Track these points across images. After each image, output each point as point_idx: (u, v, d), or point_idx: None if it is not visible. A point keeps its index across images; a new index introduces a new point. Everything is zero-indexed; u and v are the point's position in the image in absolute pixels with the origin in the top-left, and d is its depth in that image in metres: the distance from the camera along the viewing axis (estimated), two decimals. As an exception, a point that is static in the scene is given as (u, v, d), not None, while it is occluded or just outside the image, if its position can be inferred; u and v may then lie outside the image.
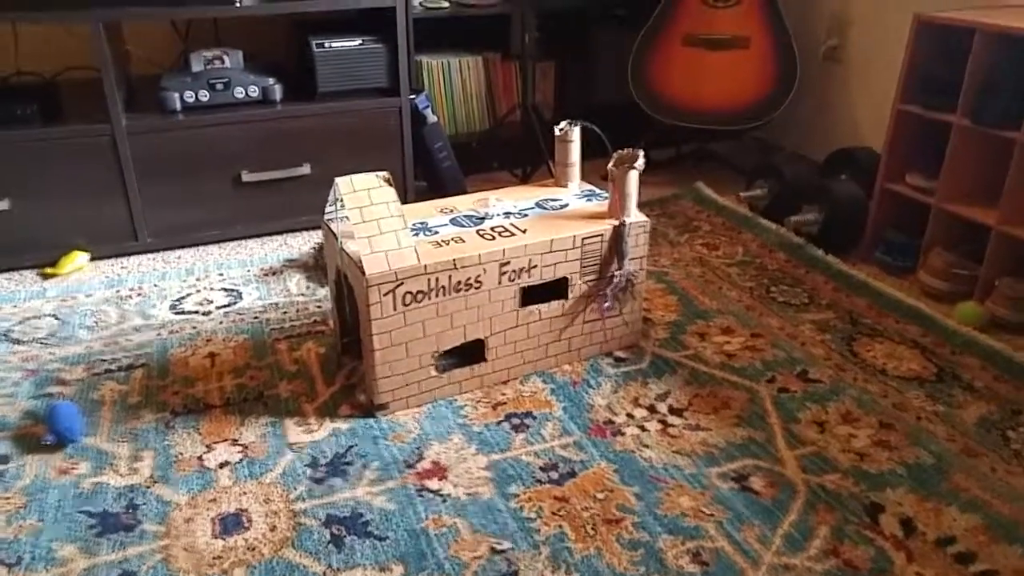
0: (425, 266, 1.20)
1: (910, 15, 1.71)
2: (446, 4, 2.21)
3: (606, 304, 1.40)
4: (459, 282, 1.25)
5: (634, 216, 1.38)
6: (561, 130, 1.49)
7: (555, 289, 1.36)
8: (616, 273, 1.38)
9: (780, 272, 1.80)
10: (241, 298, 1.65)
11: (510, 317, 1.33)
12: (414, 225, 1.34)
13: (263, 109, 1.82)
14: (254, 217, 1.90)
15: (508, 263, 1.28)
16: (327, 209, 1.33)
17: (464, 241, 1.28)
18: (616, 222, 1.36)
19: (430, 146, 2.06)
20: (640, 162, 1.34)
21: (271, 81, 1.84)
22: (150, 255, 1.84)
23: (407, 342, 1.25)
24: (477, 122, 2.42)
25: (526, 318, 1.34)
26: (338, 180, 1.23)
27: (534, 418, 1.28)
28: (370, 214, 1.20)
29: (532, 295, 1.34)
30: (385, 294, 1.19)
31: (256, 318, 1.57)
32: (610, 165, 1.35)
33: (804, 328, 1.56)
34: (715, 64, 2.21)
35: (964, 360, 1.45)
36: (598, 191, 1.51)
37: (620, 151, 1.37)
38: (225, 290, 1.68)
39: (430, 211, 1.41)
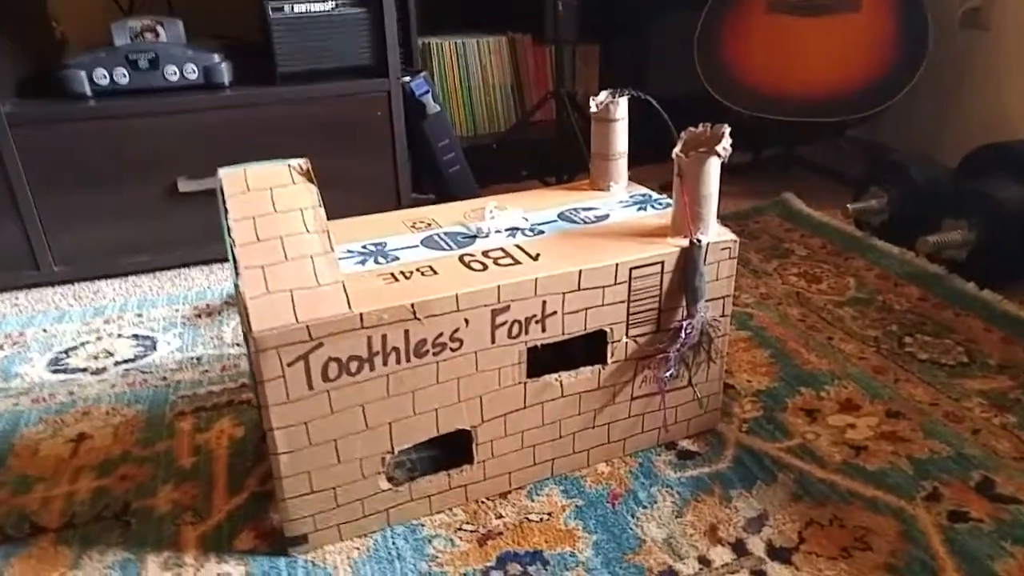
0: (361, 316, 0.72)
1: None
2: (458, -32, 1.75)
3: (668, 371, 0.88)
4: (424, 341, 0.75)
5: (714, 232, 0.87)
6: (600, 104, 1.00)
7: (586, 349, 0.86)
8: (685, 323, 0.86)
9: (915, 314, 1.26)
10: (154, 348, 1.19)
11: (513, 394, 0.82)
12: (361, 249, 0.86)
13: (206, 95, 1.38)
14: (197, 238, 1.45)
15: (507, 309, 0.78)
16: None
17: (437, 273, 0.79)
18: (685, 241, 0.85)
19: (432, 144, 1.58)
20: (725, 144, 0.83)
21: (216, 59, 1.39)
22: (58, 288, 1.40)
23: (336, 439, 0.75)
24: (502, 119, 1.94)
25: (539, 395, 0.84)
26: (222, 173, 0.75)
27: (545, 563, 0.78)
28: (270, 229, 0.72)
29: (549, 359, 0.84)
30: (291, 363, 0.70)
31: (164, 379, 1.10)
32: (677, 150, 0.85)
33: (970, 404, 1.02)
34: (812, 35, 1.68)
35: None
36: (655, 196, 1.01)
37: (692, 129, 0.86)
38: (137, 337, 1.22)
39: (394, 226, 0.92)
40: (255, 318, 0.68)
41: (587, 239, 0.87)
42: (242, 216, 0.73)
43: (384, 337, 0.73)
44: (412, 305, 0.73)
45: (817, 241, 1.57)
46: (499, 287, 0.77)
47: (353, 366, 0.73)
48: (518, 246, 0.85)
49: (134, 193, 1.38)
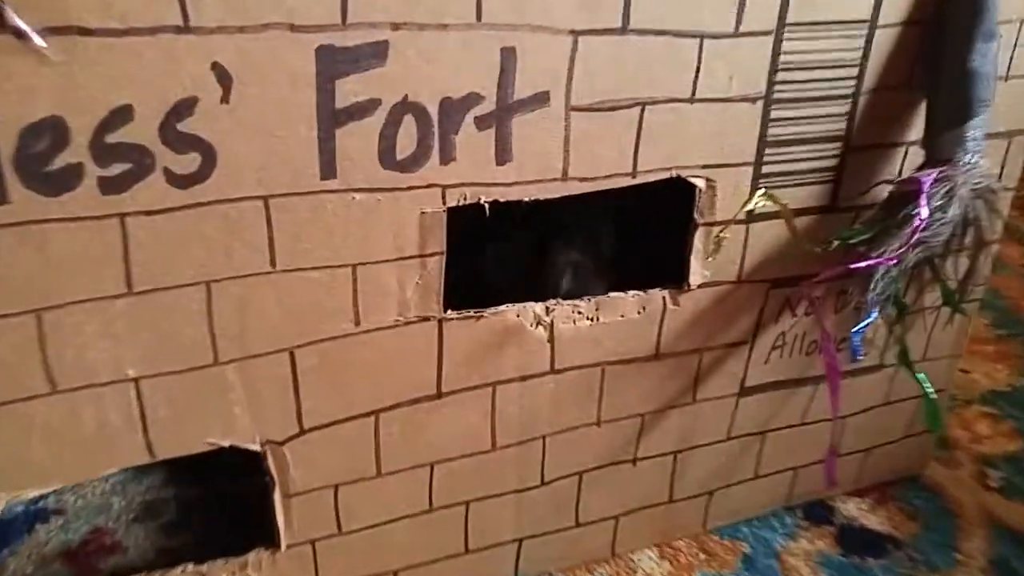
0: None
1: None
2: None
3: (868, 320, 0.31)
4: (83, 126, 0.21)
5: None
6: None
7: (630, 242, 0.31)
8: (927, 185, 0.29)
9: None
10: None
11: (400, 351, 0.28)
12: None
13: None
14: None
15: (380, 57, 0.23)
16: None
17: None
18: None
19: None
20: None
21: None
22: None
23: None
24: None
25: (484, 360, 0.29)
26: None
27: None
28: None
29: (521, 256, 0.29)
30: None
31: None
32: None
33: None
34: None
35: None
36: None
37: None
38: None
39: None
40: None
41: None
42: None
43: None
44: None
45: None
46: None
47: None
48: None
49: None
